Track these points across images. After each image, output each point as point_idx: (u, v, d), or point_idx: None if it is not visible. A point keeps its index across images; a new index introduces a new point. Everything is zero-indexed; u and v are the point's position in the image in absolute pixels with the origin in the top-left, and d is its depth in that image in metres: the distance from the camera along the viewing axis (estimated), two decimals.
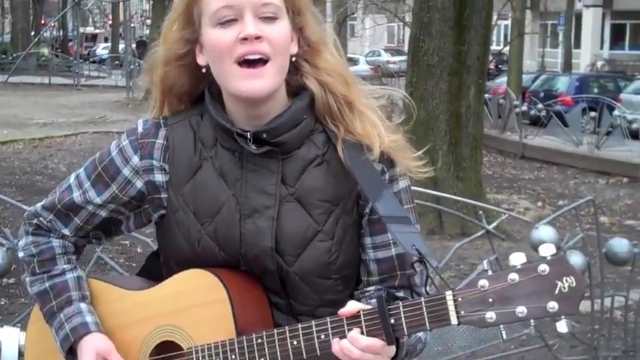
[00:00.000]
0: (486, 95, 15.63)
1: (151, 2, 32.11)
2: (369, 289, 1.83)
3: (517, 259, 1.57)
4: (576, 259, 4.32)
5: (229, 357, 1.73)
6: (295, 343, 1.69)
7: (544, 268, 1.55)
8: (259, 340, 1.72)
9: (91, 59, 42.42)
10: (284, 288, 1.81)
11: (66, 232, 1.91)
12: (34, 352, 2.01)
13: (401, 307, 1.62)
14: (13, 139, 15.28)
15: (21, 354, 2.77)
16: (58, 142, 15.65)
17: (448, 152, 9.58)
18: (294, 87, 1.82)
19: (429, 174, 1.86)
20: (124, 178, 1.85)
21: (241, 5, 1.71)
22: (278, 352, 1.71)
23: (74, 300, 1.88)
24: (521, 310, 1.55)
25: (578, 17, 39.15)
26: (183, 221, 1.81)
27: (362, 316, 1.65)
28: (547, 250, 1.56)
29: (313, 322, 1.69)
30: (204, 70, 1.80)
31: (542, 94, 21.72)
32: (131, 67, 28.21)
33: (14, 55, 35.48)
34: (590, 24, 40.47)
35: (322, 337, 1.67)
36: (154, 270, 1.96)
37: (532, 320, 1.57)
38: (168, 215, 1.84)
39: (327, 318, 1.68)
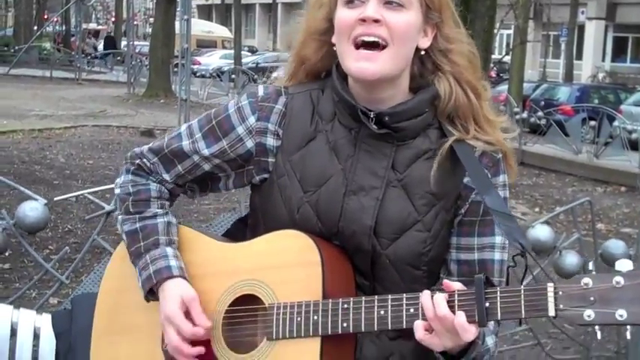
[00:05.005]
0: None
1: (154, 0, 32.11)
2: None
3: (623, 265, 1.59)
4: (572, 259, 4.32)
5: (311, 317, 1.75)
6: (382, 312, 1.71)
7: None
8: (345, 306, 1.74)
9: (93, 55, 42.35)
10: (373, 270, 1.84)
11: (166, 177, 1.96)
12: (110, 287, 2.04)
13: (498, 292, 1.64)
14: (13, 130, 15.26)
15: (14, 332, 2.79)
16: (57, 133, 15.62)
17: None
18: (417, 84, 1.87)
19: None
20: (236, 135, 1.90)
21: None
22: (362, 320, 1.73)
23: (161, 243, 1.91)
24: (621, 313, 1.55)
25: (581, 29, 39.25)
26: (287, 187, 1.86)
27: (456, 294, 1.67)
28: None
29: (405, 295, 1.71)
30: (335, 48, 1.85)
31: (542, 103, 21.72)
32: (132, 63, 28.19)
33: (16, 47, 35.47)
34: (592, 36, 40.56)
35: (412, 310, 1.70)
36: (237, 236, 2.00)
37: (628, 327, 1.58)
38: (271, 179, 1.89)
39: (420, 293, 1.70)
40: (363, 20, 1.77)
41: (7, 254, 5.70)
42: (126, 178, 1.97)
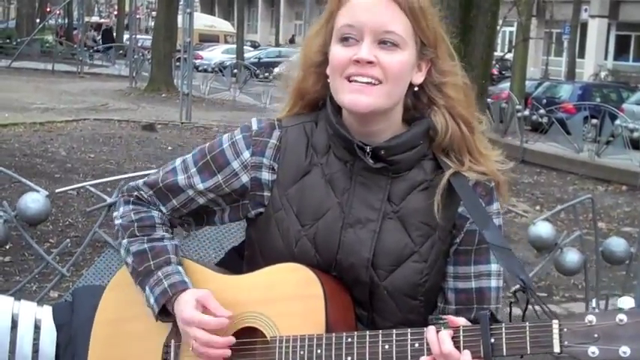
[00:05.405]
0: (489, 100, 15.62)
1: None
2: (443, 317, 1.84)
3: (626, 302, 1.62)
4: (573, 256, 4.32)
5: (314, 351, 1.75)
6: (387, 347, 1.72)
7: None
8: (349, 340, 1.74)
9: (94, 48, 42.35)
10: (371, 301, 1.85)
11: (163, 209, 1.96)
12: (106, 318, 2.03)
13: (503, 328, 1.66)
14: (14, 123, 15.22)
15: (15, 324, 2.78)
16: (58, 127, 15.60)
17: None
18: (411, 116, 1.88)
19: None
20: (231, 170, 1.90)
21: (362, 27, 1.78)
22: (367, 354, 1.73)
23: (172, 262, 1.91)
24: (624, 350, 1.59)
25: (584, 27, 39.20)
26: (284, 221, 1.86)
27: (461, 330, 1.68)
28: None
29: (409, 329, 1.72)
30: (329, 80, 1.86)
31: (544, 101, 21.69)
32: (135, 57, 28.17)
33: (18, 40, 35.41)
34: (595, 34, 40.50)
35: (417, 345, 1.71)
36: (232, 265, 2.00)
37: None
38: (268, 213, 1.89)
39: (423, 327, 1.71)
40: (357, 61, 1.77)
41: (7, 247, 5.70)
42: (126, 208, 1.98)
